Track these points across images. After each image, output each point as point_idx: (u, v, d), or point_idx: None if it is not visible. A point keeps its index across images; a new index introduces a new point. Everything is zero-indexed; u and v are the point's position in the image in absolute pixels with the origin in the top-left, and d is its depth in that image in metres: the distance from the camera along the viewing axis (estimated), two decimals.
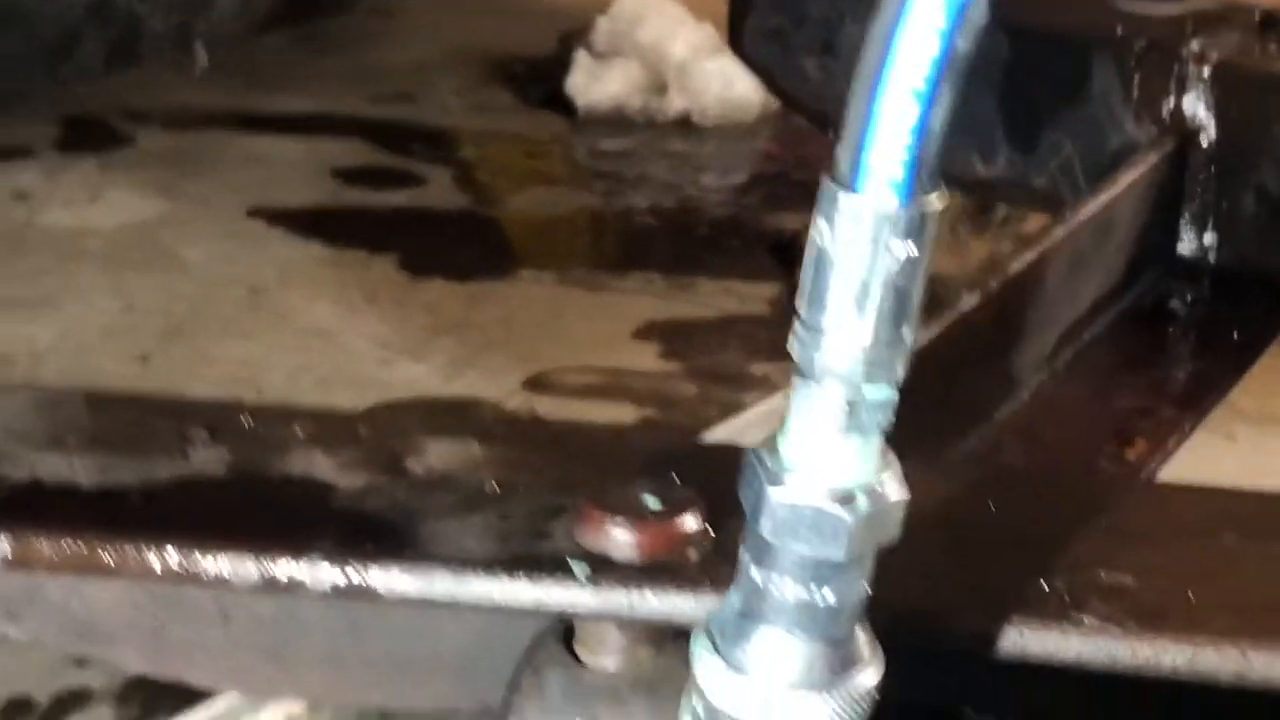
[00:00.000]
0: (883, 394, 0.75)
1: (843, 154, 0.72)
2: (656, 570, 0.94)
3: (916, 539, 0.97)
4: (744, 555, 0.79)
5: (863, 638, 0.80)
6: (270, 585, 0.95)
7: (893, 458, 0.78)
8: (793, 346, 0.75)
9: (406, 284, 3.32)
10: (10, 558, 0.96)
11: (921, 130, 0.71)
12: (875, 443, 0.76)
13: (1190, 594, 0.93)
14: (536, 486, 1.01)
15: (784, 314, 3.23)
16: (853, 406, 0.74)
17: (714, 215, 3.76)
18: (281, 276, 3.33)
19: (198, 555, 0.95)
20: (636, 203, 3.84)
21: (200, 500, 1.01)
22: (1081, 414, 1.55)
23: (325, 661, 1.11)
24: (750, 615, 0.79)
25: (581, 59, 4.46)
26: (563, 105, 4.41)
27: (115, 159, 3.98)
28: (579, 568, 0.94)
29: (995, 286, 1.47)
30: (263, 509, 1.00)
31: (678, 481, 0.98)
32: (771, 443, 0.77)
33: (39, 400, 1.10)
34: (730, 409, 2.56)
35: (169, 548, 0.95)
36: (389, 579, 0.94)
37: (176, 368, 2.92)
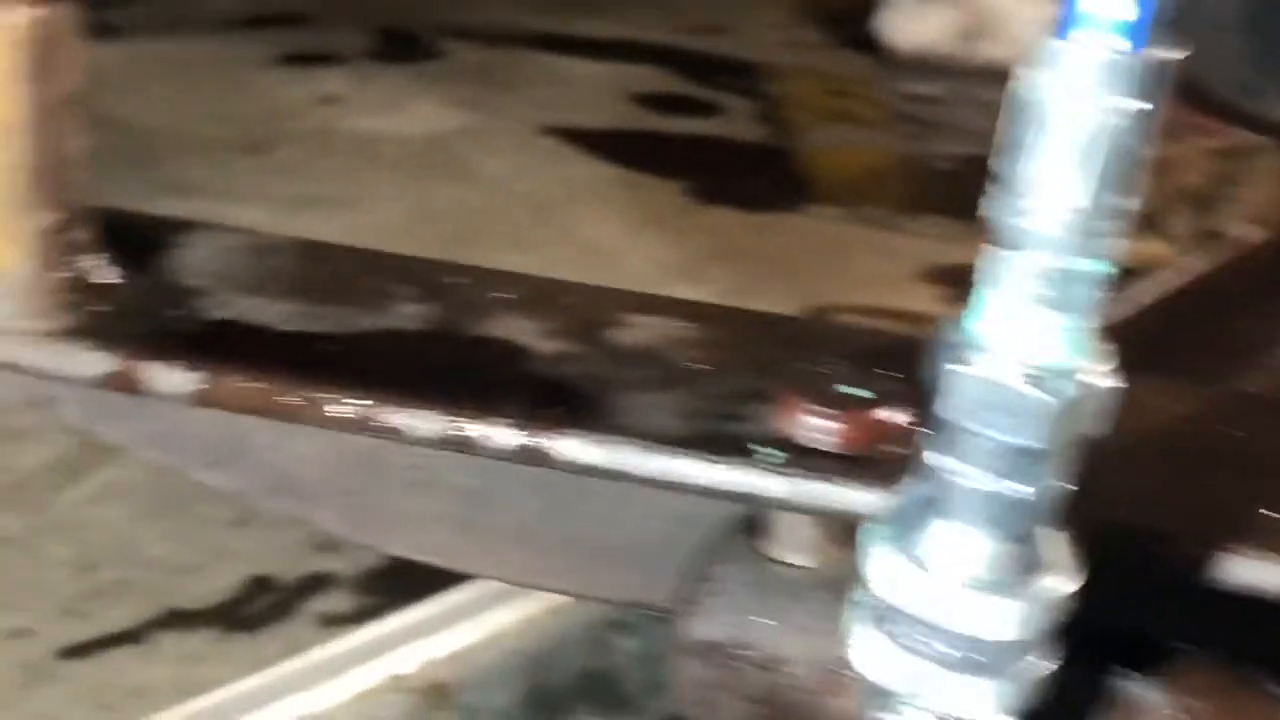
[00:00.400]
0: (1095, 267, 0.68)
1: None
2: (856, 463, 0.88)
3: (1135, 455, 0.91)
4: (925, 441, 0.73)
5: (1057, 540, 0.74)
6: (453, 443, 0.92)
7: (1106, 345, 0.71)
8: (989, 209, 0.69)
9: (693, 209, 3.28)
10: (196, 392, 0.94)
11: None
12: (1083, 323, 0.69)
13: None
14: (739, 368, 0.97)
15: None
16: (1059, 278, 0.68)
17: None
18: (569, 193, 3.32)
19: (381, 406, 0.92)
20: (936, 147, 3.75)
21: (391, 353, 0.98)
22: None
23: (520, 539, 1.08)
24: (930, 506, 0.73)
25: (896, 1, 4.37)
26: (873, 48, 4.33)
27: (423, 71, 4.02)
28: (772, 453, 0.89)
29: None
30: (454, 366, 0.97)
31: (886, 375, 0.93)
32: (961, 319, 0.71)
33: (253, 244, 1.09)
34: None
35: (352, 395, 0.93)
36: (573, 447, 0.90)
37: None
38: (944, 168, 3.66)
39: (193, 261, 1.05)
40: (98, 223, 1.00)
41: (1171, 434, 0.93)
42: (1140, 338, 1.22)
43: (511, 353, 0.97)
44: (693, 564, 0.95)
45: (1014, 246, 0.68)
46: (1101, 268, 0.68)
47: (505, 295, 1.03)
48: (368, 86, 3.88)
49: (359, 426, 0.93)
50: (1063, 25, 0.65)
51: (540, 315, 1.01)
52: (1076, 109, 0.65)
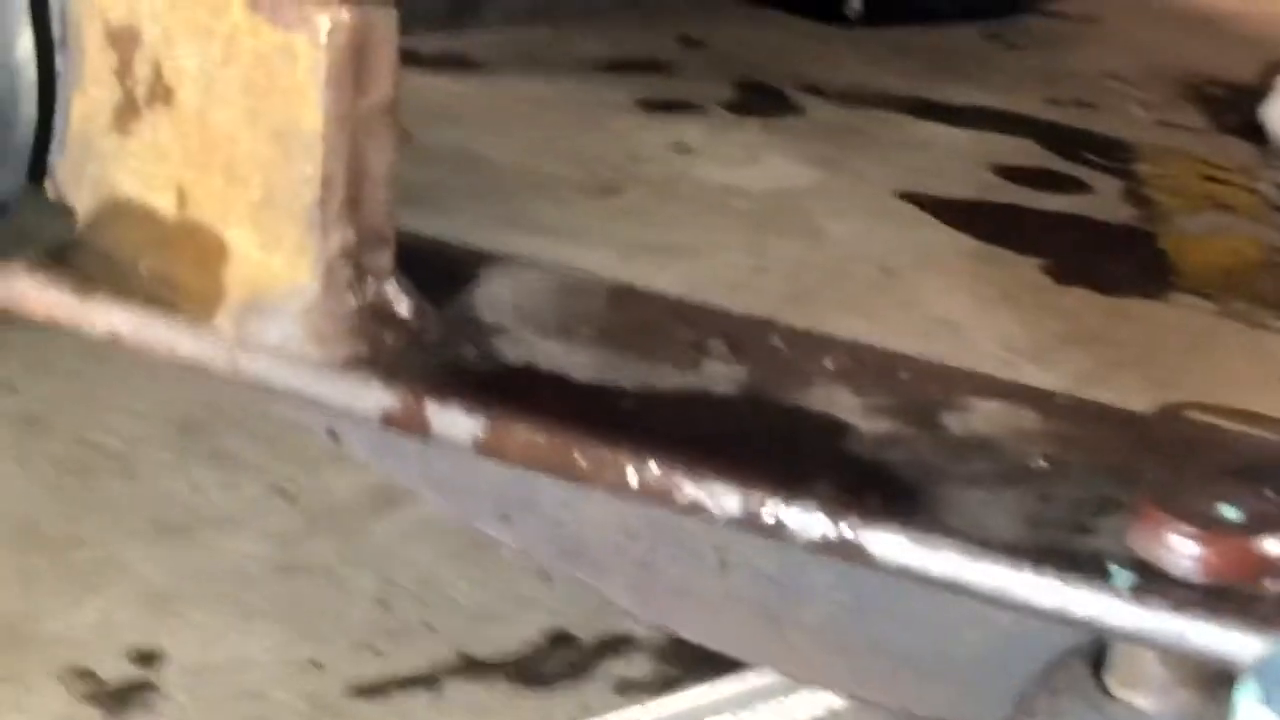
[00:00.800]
0: None
1: None
2: (1222, 595, 0.75)
3: None
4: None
5: None
6: (754, 525, 0.82)
7: None
8: None
9: (1049, 288, 3.15)
10: (478, 440, 0.86)
11: None
12: None
13: None
14: (1093, 471, 0.85)
15: None
16: None
17: None
18: (918, 261, 3.21)
19: (676, 475, 0.83)
20: None
21: (699, 417, 0.89)
22: None
23: (824, 637, 0.97)
24: None
25: None
26: (1257, 135, 4.14)
27: (780, 125, 3.97)
28: (1122, 575, 0.77)
29: None
30: (764, 438, 0.88)
31: (1272, 495, 0.80)
32: None
33: (562, 284, 1.01)
34: None
35: (644, 461, 0.84)
36: (886, 542, 0.80)
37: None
38: None
39: (495, 297, 0.98)
40: (398, 249, 0.93)
41: None
42: None
43: (830, 428, 0.88)
44: (1025, 691, 0.83)
45: None
46: None
47: (831, 363, 0.94)
48: (723, 137, 3.84)
49: (651, 496, 0.84)
50: None
51: (868, 389, 0.91)
52: None
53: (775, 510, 0.82)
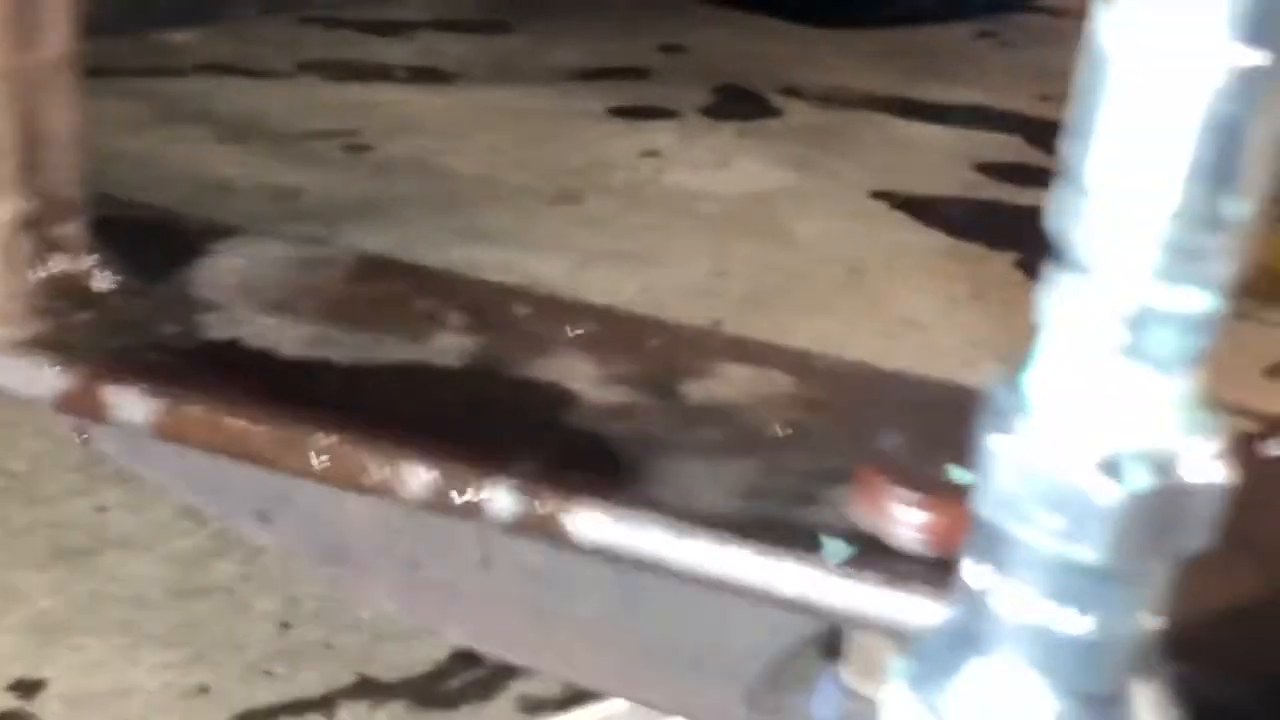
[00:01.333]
0: (1195, 303, 0.46)
1: None
2: (949, 568, 0.66)
3: None
4: (965, 548, 0.53)
5: (1146, 701, 0.52)
6: (441, 504, 0.74)
7: (1216, 415, 0.50)
8: (1051, 217, 0.48)
9: (1020, 283, 3.05)
10: (157, 422, 0.78)
11: None
12: (1179, 384, 0.48)
13: None
14: (836, 438, 0.76)
15: None
16: (1144, 317, 0.47)
17: None
18: (888, 261, 3.12)
19: (362, 453, 0.75)
20: None
21: (411, 391, 0.81)
22: None
23: (595, 636, 0.89)
24: (964, 639, 0.52)
25: None
26: None
27: (756, 129, 3.89)
28: (833, 547, 0.68)
29: None
30: (478, 412, 0.79)
31: None
32: (1014, 368, 0.50)
33: (303, 258, 0.93)
34: None
35: (332, 437, 0.75)
36: (585, 520, 0.71)
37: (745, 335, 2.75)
38: None
39: (223, 272, 0.90)
40: (97, 225, 0.85)
41: None
42: None
43: (555, 400, 0.79)
44: (758, 691, 0.75)
45: (1081, 271, 0.47)
46: (1206, 303, 0.46)
47: (576, 330, 0.85)
48: (695, 142, 3.76)
49: (336, 479, 0.75)
50: None
51: (610, 358, 0.83)
52: (1165, 66, 0.44)
53: (467, 490, 0.73)
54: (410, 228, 3.18)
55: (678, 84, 4.18)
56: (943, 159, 3.71)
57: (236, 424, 0.77)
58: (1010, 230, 3.30)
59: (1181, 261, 0.45)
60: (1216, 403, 0.50)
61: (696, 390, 0.81)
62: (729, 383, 0.82)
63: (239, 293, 0.89)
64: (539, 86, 4.13)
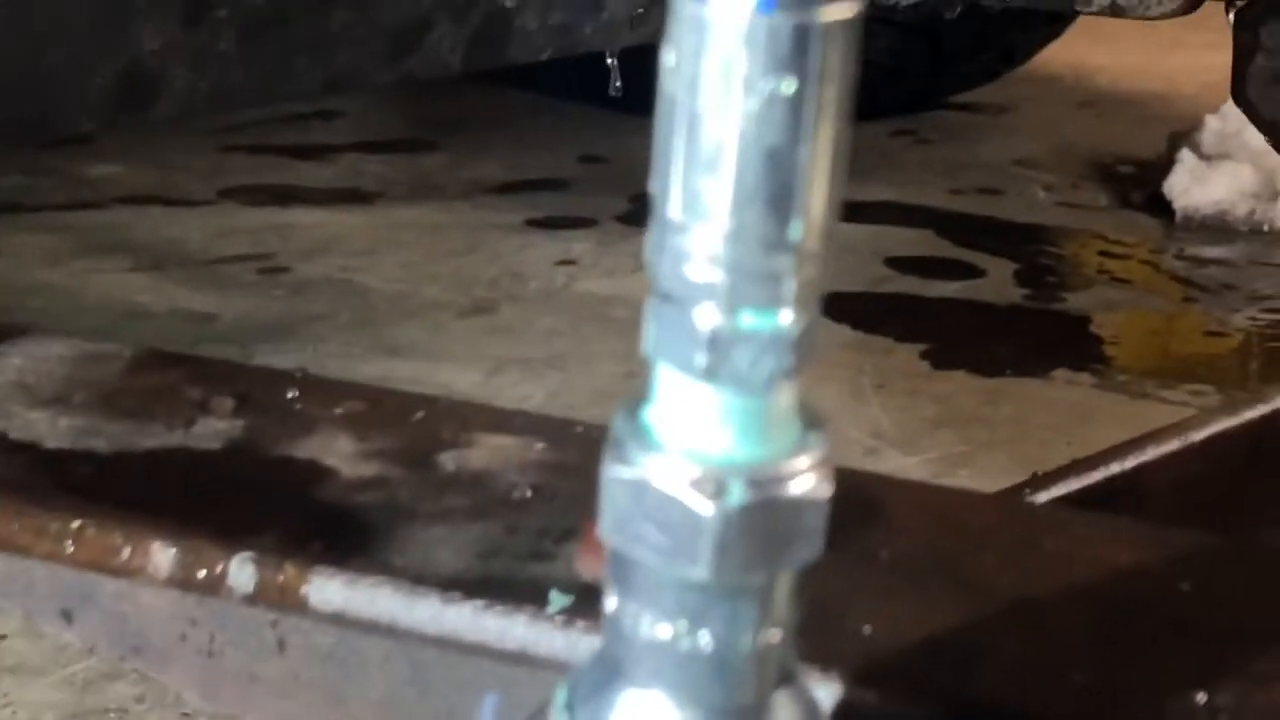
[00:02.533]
0: (766, 322, 0.49)
1: None
2: None
3: (1045, 616, 0.71)
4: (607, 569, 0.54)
5: (787, 712, 0.54)
6: (187, 582, 0.75)
7: (818, 434, 0.52)
8: (646, 250, 0.51)
9: (926, 374, 3.08)
10: None
11: None
12: (769, 402, 0.50)
13: None
14: (579, 497, 0.78)
15: None
16: (716, 341, 0.49)
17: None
18: None
19: (115, 535, 0.76)
20: (1215, 312, 3.48)
21: (168, 476, 0.82)
22: None
23: (388, 714, 0.90)
24: (611, 666, 0.54)
25: (1186, 159, 4.12)
26: (1164, 209, 4.09)
27: None
28: (559, 600, 0.70)
29: None
30: (231, 491, 0.81)
31: None
32: (633, 399, 0.52)
33: (83, 355, 0.94)
34: None
35: (84, 522, 0.77)
36: (324, 589, 0.73)
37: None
38: (1216, 332, 3.39)
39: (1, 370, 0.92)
40: None
41: (1094, 587, 0.71)
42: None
43: (309, 476, 0.81)
44: None
45: (668, 300, 0.49)
46: (775, 325, 0.49)
47: (342, 409, 0.87)
48: (610, 250, 3.79)
49: (90, 564, 0.77)
50: None
51: (372, 434, 0.85)
52: (707, 101, 0.47)
53: (210, 564, 0.75)
54: (324, 345, 3.20)
55: (595, 193, 4.21)
56: (854, 255, 3.74)
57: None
58: (916, 323, 3.34)
59: (745, 282, 0.48)
60: (817, 418, 0.52)
61: (450, 460, 0.83)
62: (485, 450, 0.84)
63: (13, 390, 0.90)
64: (458, 201, 4.17)
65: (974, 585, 0.72)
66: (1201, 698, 0.65)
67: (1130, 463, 1.00)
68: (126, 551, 0.76)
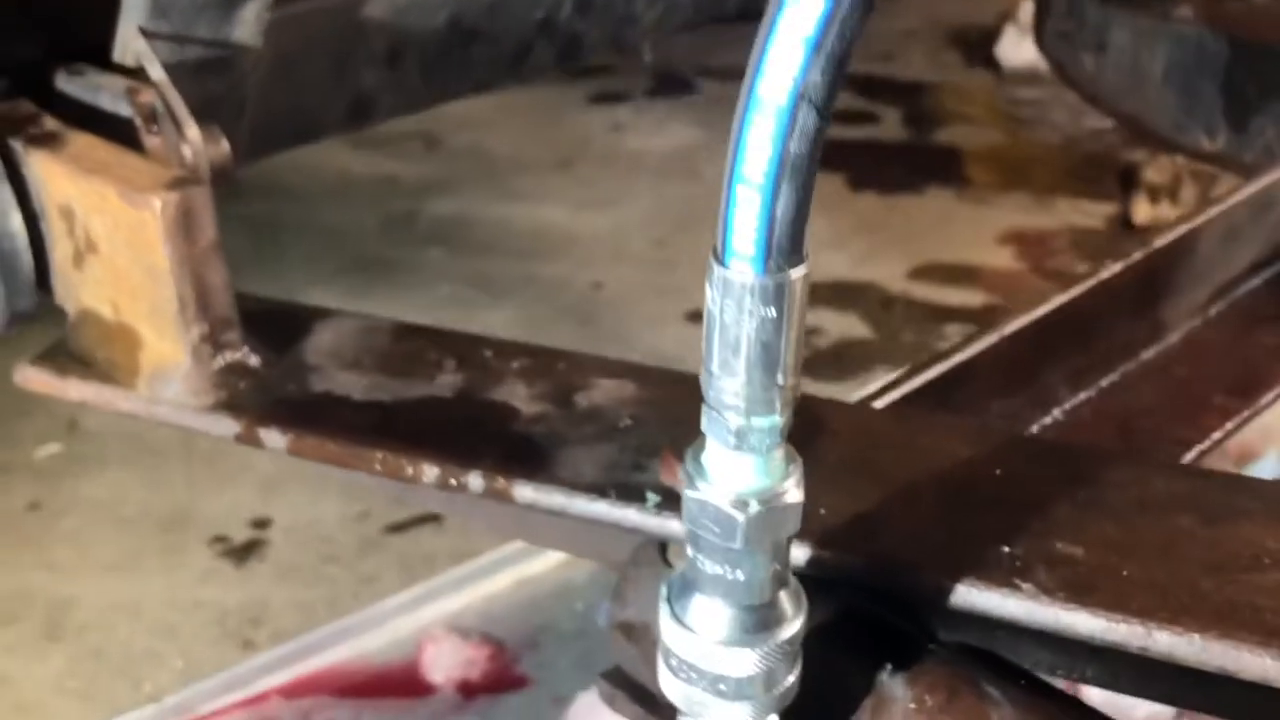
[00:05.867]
0: (766, 422, 0.59)
1: (718, 235, 0.56)
2: None
3: (919, 497, 0.80)
4: (686, 536, 0.65)
5: (786, 601, 0.65)
6: (444, 485, 0.86)
7: (797, 468, 0.62)
8: (702, 383, 0.60)
9: (848, 195, 3.13)
10: (289, 447, 0.90)
11: (767, 217, 0.54)
12: (769, 457, 0.60)
13: (1124, 571, 0.72)
14: (660, 425, 0.88)
15: (1117, 228, 2.89)
16: (741, 433, 0.59)
17: (1085, 149, 3.40)
18: None
19: (402, 459, 0.87)
20: (1030, 138, 3.50)
21: (429, 416, 0.92)
22: (1216, 360, 1.27)
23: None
24: (690, 584, 0.65)
25: (1009, 30, 4.08)
26: (996, 66, 4.07)
27: (681, 102, 3.91)
28: (651, 499, 0.81)
29: (1139, 256, 1.22)
30: (463, 426, 0.91)
31: None
32: (697, 453, 0.63)
33: (362, 328, 1.03)
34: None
35: (385, 450, 0.87)
36: (522, 491, 0.84)
37: (680, 250, 2.85)
38: (1030, 153, 3.42)
39: (319, 342, 1.00)
40: (243, 322, 0.96)
41: (947, 475, 0.81)
42: (990, 370, 1.09)
43: (504, 414, 0.90)
44: (623, 568, 0.87)
45: (717, 409, 0.60)
46: (771, 421, 0.59)
47: (515, 364, 0.96)
48: (643, 116, 3.80)
49: (390, 475, 0.88)
50: (723, 256, 0.56)
51: (535, 382, 0.93)
52: (730, 319, 0.56)
53: (457, 476, 0.86)
54: (470, 196, 3.26)
55: (630, 75, 4.19)
56: None
57: (333, 447, 0.90)
58: (840, 157, 3.35)
59: (754, 405, 0.58)
60: (795, 458, 0.62)
61: (583, 399, 0.91)
62: (601, 391, 0.93)
63: (328, 357, 0.99)
64: (542, 87, 4.15)
65: (879, 476, 0.80)
66: (1005, 549, 0.75)
67: (964, 356, 1.05)
68: (410, 469, 0.87)
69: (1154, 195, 2.88)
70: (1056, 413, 1.16)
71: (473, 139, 3.64)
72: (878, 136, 3.53)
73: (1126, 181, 3.04)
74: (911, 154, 3.42)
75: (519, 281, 2.77)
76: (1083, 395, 1.18)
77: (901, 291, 2.63)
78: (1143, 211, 2.90)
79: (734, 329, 0.56)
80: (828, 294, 2.61)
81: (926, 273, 2.70)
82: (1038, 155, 3.41)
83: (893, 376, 1.04)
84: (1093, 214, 2.98)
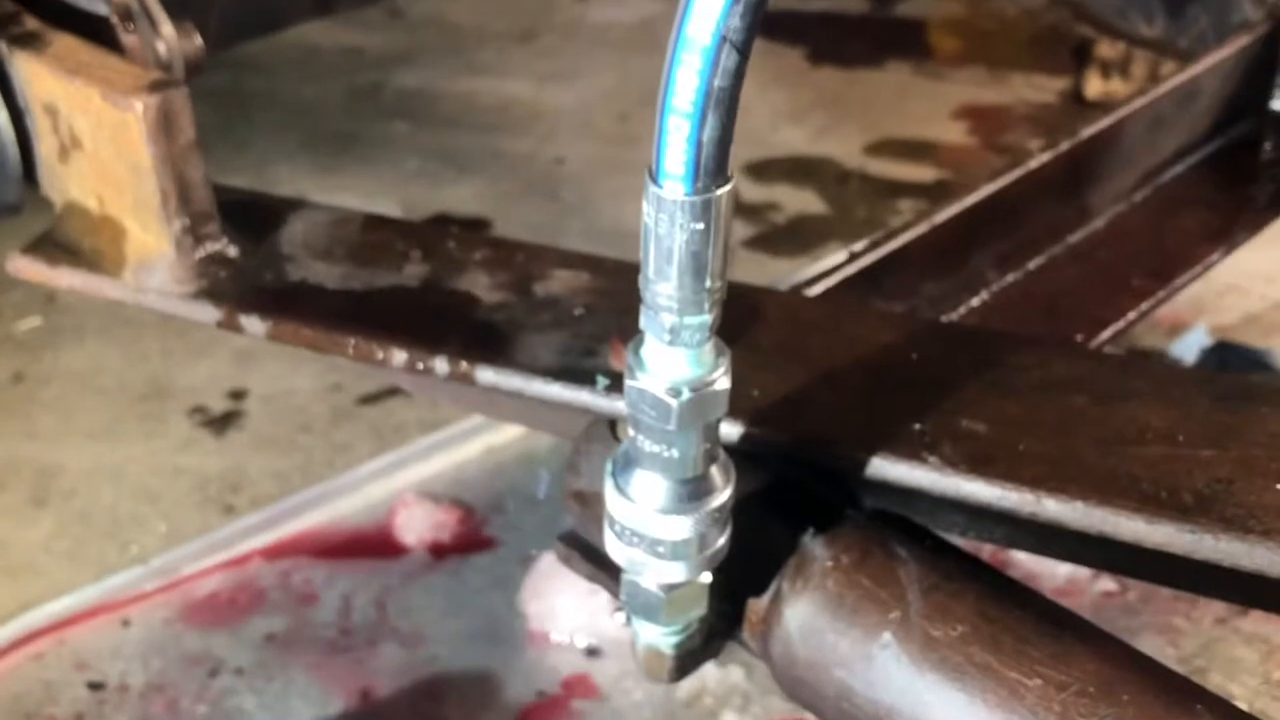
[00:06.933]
0: (696, 320, 0.66)
1: (652, 158, 0.63)
2: None
3: (842, 379, 0.88)
4: (626, 422, 0.73)
5: (716, 474, 0.73)
6: (411, 369, 0.92)
7: (725, 359, 0.69)
8: (640, 287, 0.67)
9: (808, 70, 3.16)
10: (269, 333, 0.96)
11: (695, 142, 0.61)
12: (700, 351, 0.68)
13: (1021, 445, 0.80)
14: (611, 313, 0.94)
15: (1070, 103, 2.93)
16: (674, 329, 0.66)
17: (1039, 23, 3.42)
18: None
19: (373, 344, 0.93)
20: (986, 12, 3.52)
21: (397, 304, 0.98)
22: (1138, 243, 1.35)
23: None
24: (632, 460, 0.73)
25: None
26: None
27: None
28: (601, 382, 0.88)
29: (1066, 146, 1.28)
30: (429, 313, 0.97)
31: None
32: (636, 347, 0.70)
33: (334, 219, 1.09)
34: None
35: (358, 336, 0.94)
36: (484, 374, 0.91)
37: (642, 125, 2.87)
38: (985, 27, 3.44)
39: (293, 233, 1.05)
40: (221, 214, 1.01)
41: (869, 359, 0.89)
42: (921, 257, 1.16)
43: (467, 302, 0.97)
44: (577, 442, 0.95)
45: (654, 309, 0.67)
46: (701, 319, 0.66)
47: (477, 255, 1.02)
48: None
49: (362, 358, 0.94)
50: (657, 176, 0.63)
51: (496, 272, 0.99)
52: (664, 231, 0.63)
53: (424, 360, 0.92)
54: (435, 69, 3.26)
55: None
56: None
57: (311, 332, 0.96)
58: (801, 31, 3.36)
59: (686, 306, 0.65)
60: (724, 351, 0.69)
61: (540, 288, 0.97)
62: (557, 281, 0.98)
63: (302, 247, 1.04)
64: None
65: (807, 360, 0.87)
66: (917, 426, 0.83)
67: (899, 243, 1.12)
68: (380, 354, 0.93)
69: (1106, 71, 2.93)
70: (985, 295, 1.24)
71: (435, 9, 3.63)
72: (840, 10, 3.54)
73: (1080, 57, 3.08)
74: (873, 29, 3.44)
75: (485, 156, 2.80)
76: (1010, 278, 1.25)
77: (858, 167, 2.68)
78: (1095, 86, 2.95)
79: (667, 240, 0.63)
80: (786, 169, 2.67)
81: (882, 148, 2.75)
82: (995, 29, 3.43)
83: (837, 260, 1.11)
84: (1046, 89, 3.02)
